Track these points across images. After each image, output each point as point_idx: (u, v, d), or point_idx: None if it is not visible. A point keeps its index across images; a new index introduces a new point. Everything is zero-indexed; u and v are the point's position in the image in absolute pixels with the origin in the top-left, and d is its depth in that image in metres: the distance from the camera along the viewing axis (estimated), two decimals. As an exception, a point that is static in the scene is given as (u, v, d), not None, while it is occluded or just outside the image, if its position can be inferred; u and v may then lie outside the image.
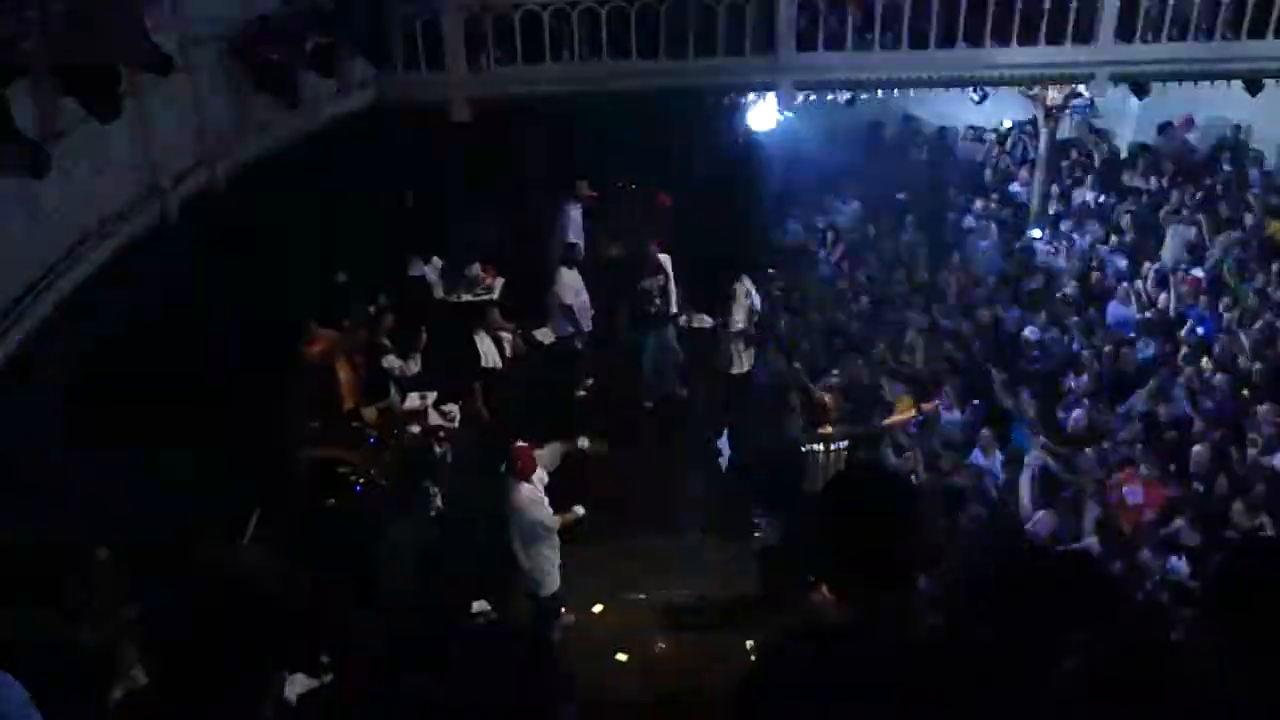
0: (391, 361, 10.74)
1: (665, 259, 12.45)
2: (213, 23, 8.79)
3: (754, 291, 12.18)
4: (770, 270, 12.36)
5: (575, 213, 13.90)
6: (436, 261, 12.77)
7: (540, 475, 8.71)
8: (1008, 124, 16.29)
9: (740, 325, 11.90)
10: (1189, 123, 15.80)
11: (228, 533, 8.77)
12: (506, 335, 11.08)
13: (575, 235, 13.79)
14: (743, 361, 12.10)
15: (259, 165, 9.68)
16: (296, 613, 2.38)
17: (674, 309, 12.48)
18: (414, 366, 10.87)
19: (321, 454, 9.24)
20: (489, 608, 8.79)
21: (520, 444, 8.65)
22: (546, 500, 8.62)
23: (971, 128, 16.44)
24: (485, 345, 10.71)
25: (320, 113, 10.48)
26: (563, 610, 9.16)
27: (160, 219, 7.95)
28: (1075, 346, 11.73)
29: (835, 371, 11.29)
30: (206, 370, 8.07)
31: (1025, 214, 14.71)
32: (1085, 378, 10.97)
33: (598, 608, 9.59)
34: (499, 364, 10.78)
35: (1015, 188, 15.48)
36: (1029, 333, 12.04)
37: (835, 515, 2.51)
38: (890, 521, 2.46)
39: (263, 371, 9.19)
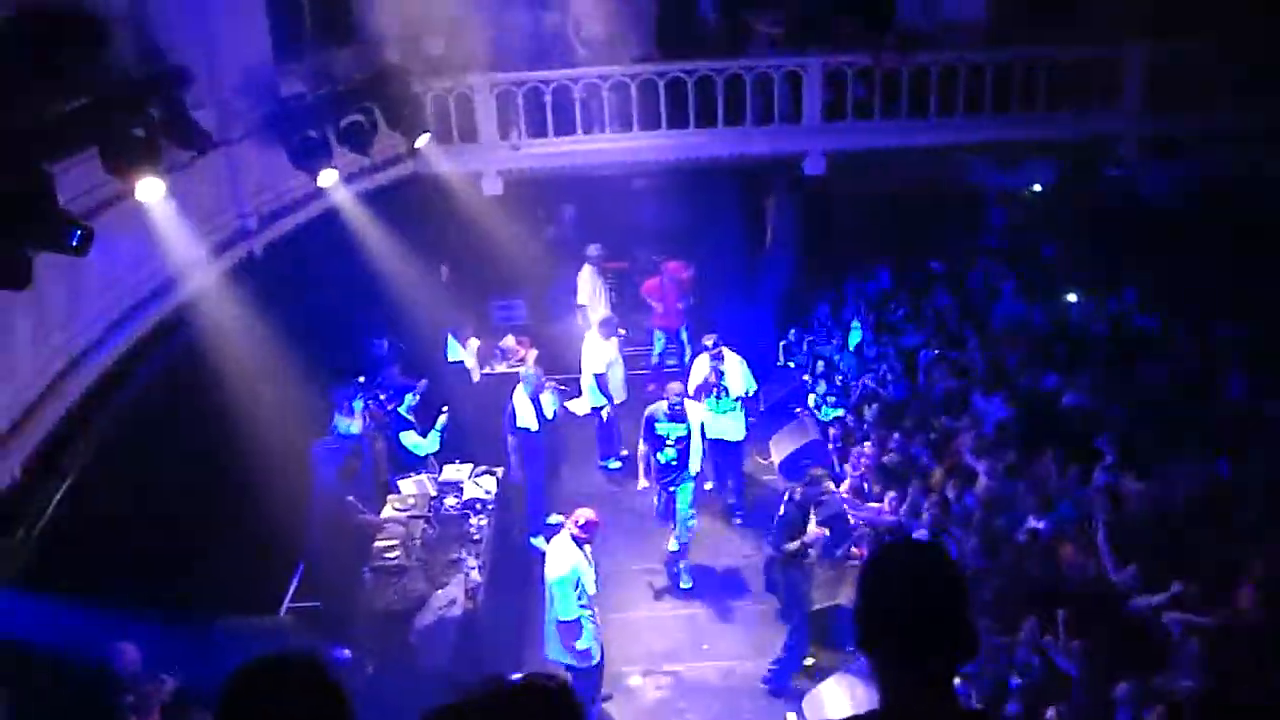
0: (411, 439, 10.81)
1: (696, 409, 10.55)
2: (250, 99, 8.98)
3: (716, 357, 11.14)
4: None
5: (592, 277, 13.76)
6: (474, 343, 12.75)
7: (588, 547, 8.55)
8: (1038, 187, 16.25)
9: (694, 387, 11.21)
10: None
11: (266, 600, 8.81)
12: (547, 395, 10.98)
13: (595, 300, 13.71)
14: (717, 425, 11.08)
15: (297, 237, 9.83)
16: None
17: (695, 467, 10.50)
18: (434, 444, 10.88)
19: (358, 523, 9.24)
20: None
21: (586, 510, 8.58)
22: (593, 570, 8.51)
23: (1004, 191, 16.40)
24: (523, 405, 10.67)
25: (356, 185, 10.64)
26: (600, 684, 9.00)
27: (201, 290, 8.05)
28: (1113, 410, 11.52)
29: (868, 440, 11.20)
30: (244, 432, 8.14)
31: (1059, 277, 14.64)
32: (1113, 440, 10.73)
33: (634, 680, 9.44)
34: (535, 425, 10.71)
35: (1048, 250, 15.42)
36: (1065, 397, 11.87)
37: (867, 586, 2.45)
38: (920, 598, 2.36)
39: (301, 438, 9.27)
